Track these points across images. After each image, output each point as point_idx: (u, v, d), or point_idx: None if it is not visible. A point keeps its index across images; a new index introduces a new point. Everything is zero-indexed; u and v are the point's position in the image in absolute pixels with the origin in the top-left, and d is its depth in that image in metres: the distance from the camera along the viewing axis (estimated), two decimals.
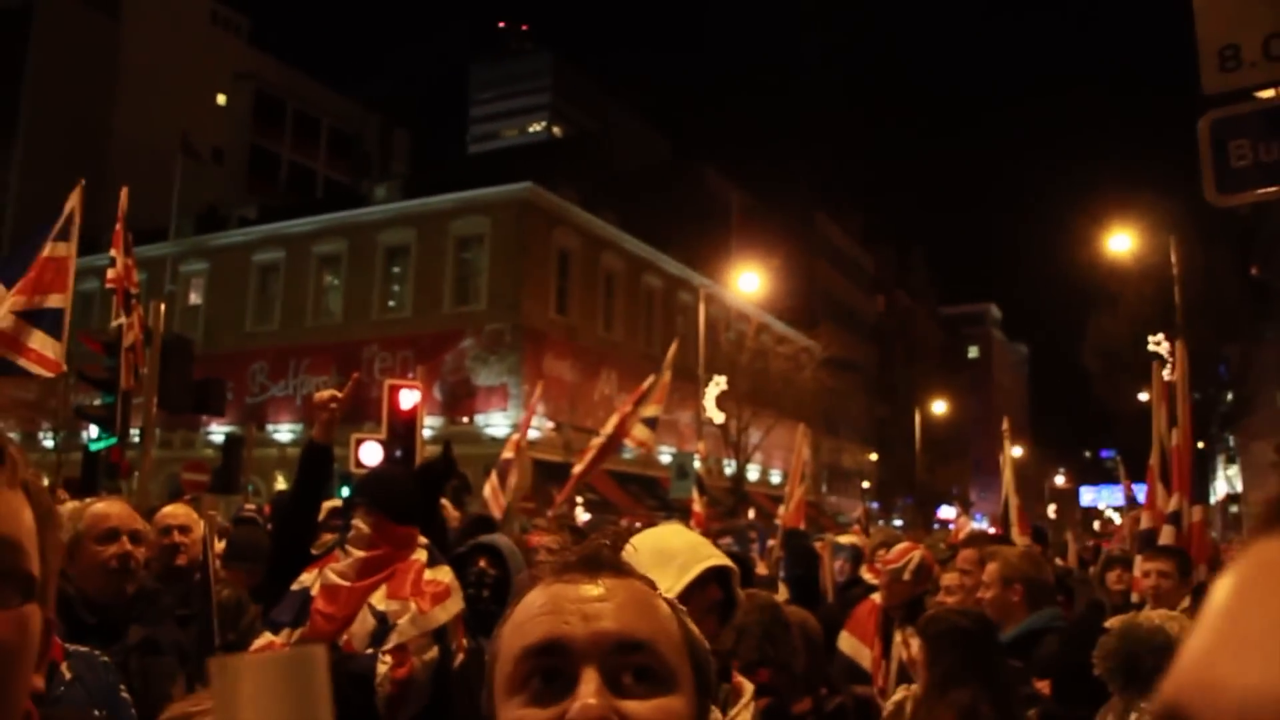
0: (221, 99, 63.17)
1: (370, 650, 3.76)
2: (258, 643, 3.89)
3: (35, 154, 55.22)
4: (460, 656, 3.91)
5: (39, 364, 5.25)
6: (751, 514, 34.29)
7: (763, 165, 62.40)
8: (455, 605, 3.98)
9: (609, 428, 13.75)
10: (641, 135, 73.31)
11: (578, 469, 13.68)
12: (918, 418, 61.91)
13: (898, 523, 55.76)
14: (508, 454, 13.27)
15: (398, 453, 13.71)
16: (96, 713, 2.70)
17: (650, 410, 13.81)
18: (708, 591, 2.78)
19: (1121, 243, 32.68)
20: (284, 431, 39.59)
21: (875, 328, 72.12)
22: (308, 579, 3.99)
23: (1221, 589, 0.43)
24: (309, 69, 70.21)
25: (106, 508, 3.84)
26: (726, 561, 2.87)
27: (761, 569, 8.79)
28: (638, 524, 26.08)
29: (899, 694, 4.10)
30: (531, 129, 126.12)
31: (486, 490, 12.90)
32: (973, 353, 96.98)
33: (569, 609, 1.17)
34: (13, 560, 0.90)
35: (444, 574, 4.03)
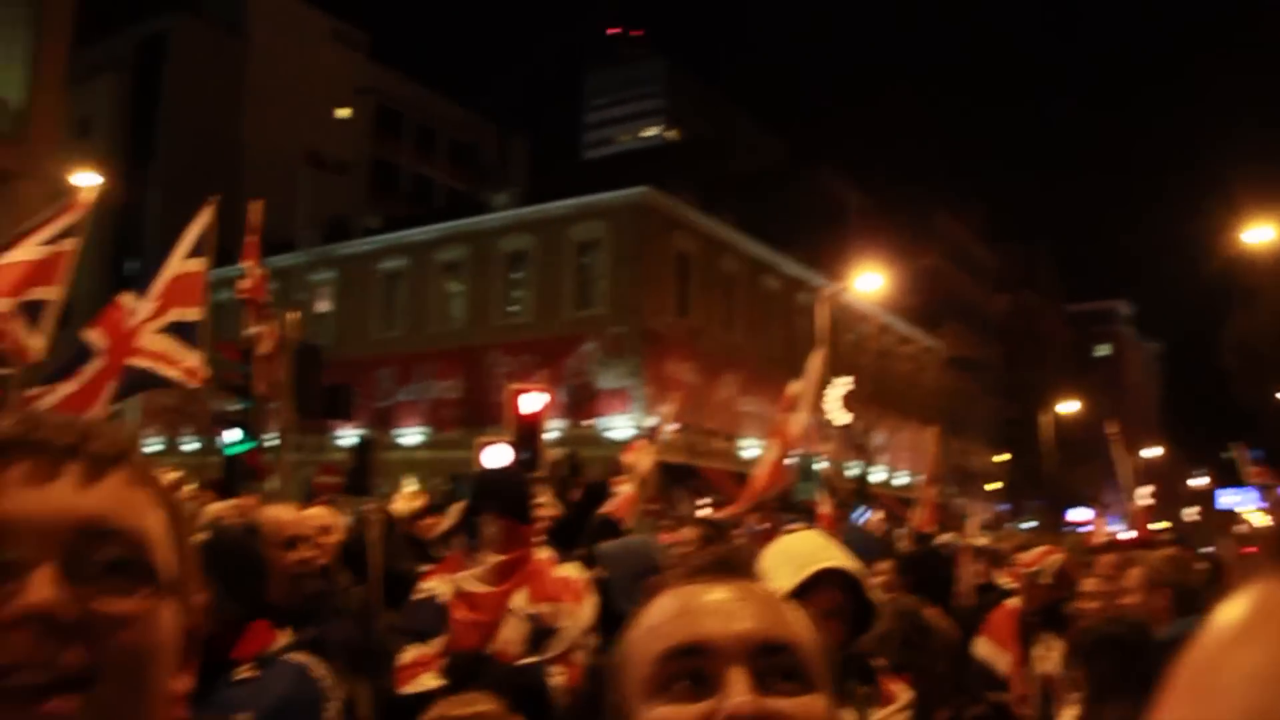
0: (344, 113, 64.71)
1: (531, 658, 3.71)
2: (408, 655, 3.82)
3: (171, 171, 57.27)
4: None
5: (186, 375, 5.42)
6: (880, 515, 33.74)
7: (881, 163, 61.52)
8: (592, 599, 3.95)
9: (774, 448, 13.48)
10: (757, 136, 73.00)
11: (761, 482, 13.33)
12: (1046, 418, 60.40)
13: (1027, 525, 54.49)
14: (645, 461, 13.02)
15: (523, 455, 13.86)
16: (241, 715, 2.72)
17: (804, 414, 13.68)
18: (824, 595, 2.74)
19: (1261, 234, 31.41)
20: (410, 435, 40.35)
21: (1000, 326, 70.62)
22: (433, 585, 3.94)
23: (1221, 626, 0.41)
24: (427, 81, 71.39)
25: (280, 513, 3.91)
26: (845, 564, 2.82)
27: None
28: (766, 524, 25.91)
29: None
30: (646, 133, 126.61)
31: (626, 489, 12.74)
32: (1103, 350, 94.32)
33: (708, 609, 1.15)
34: (135, 553, 0.90)
35: (575, 570, 4.03)
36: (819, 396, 13.61)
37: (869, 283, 38.76)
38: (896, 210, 56.91)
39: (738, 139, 71.44)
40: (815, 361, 13.94)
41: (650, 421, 34.40)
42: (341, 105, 64.44)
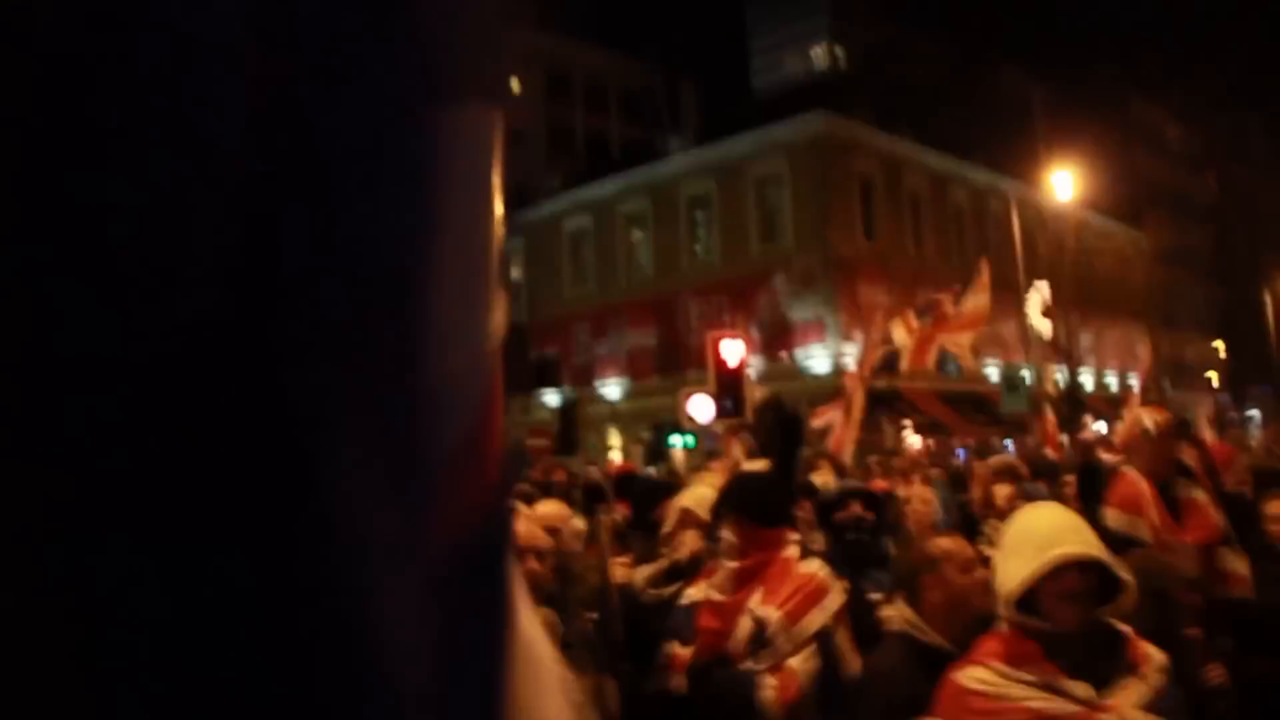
0: (514, 85, 65.65)
1: (750, 662, 3.61)
2: (667, 651, 3.88)
3: None
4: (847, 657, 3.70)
5: None
6: (1102, 425, 32.57)
7: (1063, 53, 58.75)
8: (834, 601, 3.73)
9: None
10: (929, 44, 70.40)
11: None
12: (1268, 298, 56.93)
13: (1253, 413, 51.67)
14: (858, 395, 12.85)
15: (727, 403, 13.97)
16: None
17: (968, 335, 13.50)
18: (1066, 578, 2.75)
19: None
20: (611, 387, 41.02)
21: (1209, 208, 66.77)
22: (695, 593, 3.95)
23: None
24: (590, 38, 71.50)
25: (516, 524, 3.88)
26: (1087, 550, 2.80)
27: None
28: (969, 441, 25.40)
29: None
30: (814, 53, 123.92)
31: (834, 421, 12.68)
32: None
33: None
34: None
35: (816, 566, 3.84)
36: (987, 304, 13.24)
37: (1062, 181, 37.27)
38: (1083, 100, 54.36)
39: (908, 49, 69.12)
40: (984, 269, 13.61)
41: (850, 350, 34.09)
42: (512, 77, 65.36)
